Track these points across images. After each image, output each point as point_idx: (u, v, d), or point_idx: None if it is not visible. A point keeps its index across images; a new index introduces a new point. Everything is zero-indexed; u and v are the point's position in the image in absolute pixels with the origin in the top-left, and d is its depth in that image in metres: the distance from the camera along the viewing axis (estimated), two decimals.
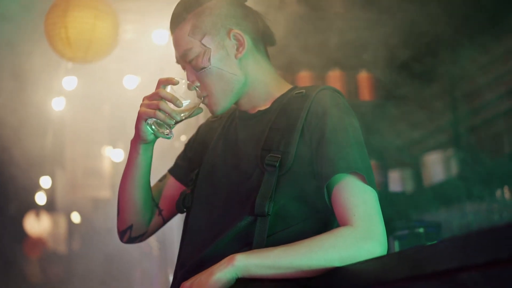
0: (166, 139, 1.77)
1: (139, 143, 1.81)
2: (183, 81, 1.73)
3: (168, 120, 1.69)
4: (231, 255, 1.52)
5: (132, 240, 2.02)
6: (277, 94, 1.82)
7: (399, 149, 4.09)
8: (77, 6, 3.29)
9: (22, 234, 9.78)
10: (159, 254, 4.96)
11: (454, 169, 3.65)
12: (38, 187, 8.97)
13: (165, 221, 2.06)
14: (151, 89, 1.75)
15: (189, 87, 1.76)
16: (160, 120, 1.70)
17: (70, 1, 3.33)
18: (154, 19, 4.53)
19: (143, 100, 1.74)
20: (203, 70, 1.75)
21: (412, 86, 3.90)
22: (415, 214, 3.84)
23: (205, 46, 1.75)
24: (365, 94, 3.37)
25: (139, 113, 1.73)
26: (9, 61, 5.13)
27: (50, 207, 9.15)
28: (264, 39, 1.89)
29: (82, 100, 5.92)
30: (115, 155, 6.26)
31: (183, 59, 1.79)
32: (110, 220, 7.30)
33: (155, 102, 1.69)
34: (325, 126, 1.63)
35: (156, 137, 1.80)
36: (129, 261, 6.08)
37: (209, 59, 1.74)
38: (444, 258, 1.07)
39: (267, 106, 1.80)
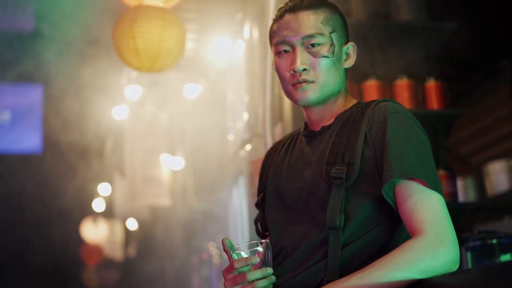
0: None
1: None
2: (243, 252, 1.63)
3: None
4: None
5: None
6: (343, 109, 1.85)
7: (463, 158, 4.04)
8: (145, 16, 3.34)
9: (80, 241, 9.96)
10: (220, 261, 4.99)
11: None
12: (96, 194, 9.13)
13: None
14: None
15: (298, 68, 1.76)
16: None
17: (137, 12, 3.37)
18: (215, 29, 4.56)
19: None
20: (324, 58, 1.78)
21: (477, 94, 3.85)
22: (479, 224, 3.78)
23: (332, 40, 1.80)
24: (433, 102, 3.33)
25: None
26: (74, 69, 5.25)
27: (108, 214, 9.30)
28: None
29: (142, 108, 6.01)
30: (174, 163, 6.31)
31: (305, 39, 1.79)
32: (167, 227, 7.37)
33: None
34: (386, 131, 1.65)
35: None
36: (187, 268, 6.13)
37: (334, 52, 1.79)
38: None
39: (331, 122, 1.83)
